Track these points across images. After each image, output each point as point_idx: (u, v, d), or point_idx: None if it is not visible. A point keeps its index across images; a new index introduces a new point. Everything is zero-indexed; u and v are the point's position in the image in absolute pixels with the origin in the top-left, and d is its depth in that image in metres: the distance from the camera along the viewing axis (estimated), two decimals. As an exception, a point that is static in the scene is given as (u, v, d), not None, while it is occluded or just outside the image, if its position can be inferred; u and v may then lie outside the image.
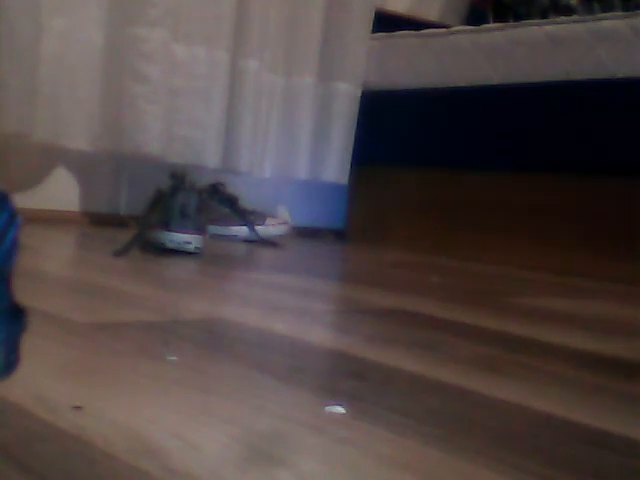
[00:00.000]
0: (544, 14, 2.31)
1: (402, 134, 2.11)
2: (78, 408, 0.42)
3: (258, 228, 1.84)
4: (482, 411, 0.51)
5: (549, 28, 1.85)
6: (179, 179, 1.40)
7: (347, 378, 0.56)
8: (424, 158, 2.08)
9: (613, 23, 1.75)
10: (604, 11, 2.13)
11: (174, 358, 0.56)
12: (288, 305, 0.92)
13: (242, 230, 1.86)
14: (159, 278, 1.09)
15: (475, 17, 2.51)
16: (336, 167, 2.17)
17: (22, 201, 1.76)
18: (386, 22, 2.21)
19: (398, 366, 0.62)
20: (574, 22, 1.82)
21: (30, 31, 1.64)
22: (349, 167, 2.18)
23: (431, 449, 0.41)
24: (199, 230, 1.38)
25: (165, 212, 1.36)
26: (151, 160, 1.84)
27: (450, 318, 0.91)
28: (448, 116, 2.02)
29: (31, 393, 0.44)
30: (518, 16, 2.33)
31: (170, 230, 1.35)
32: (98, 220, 1.92)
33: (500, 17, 2.39)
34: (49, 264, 1.11)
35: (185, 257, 1.33)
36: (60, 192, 1.89)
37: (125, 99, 1.75)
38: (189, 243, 1.36)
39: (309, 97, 2.11)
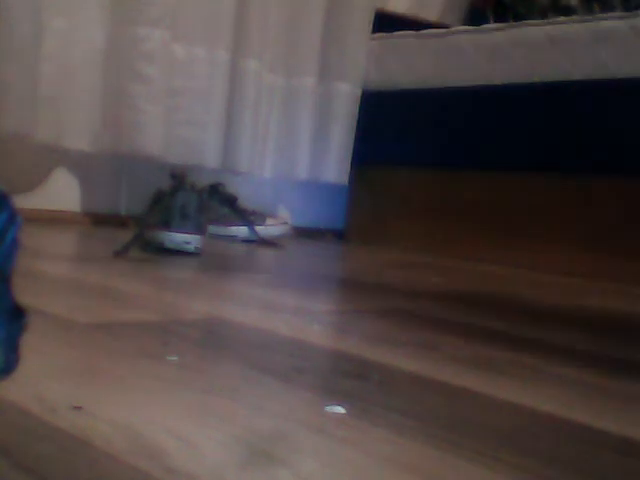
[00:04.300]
0: (544, 14, 2.31)
1: (402, 134, 2.11)
2: (78, 408, 0.42)
3: (258, 228, 1.84)
4: (482, 411, 0.51)
5: (549, 28, 1.85)
6: (179, 179, 1.40)
7: (347, 378, 0.56)
8: (424, 158, 2.08)
9: (613, 23, 1.74)
10: (604, 11, 2.13)
11: (174, 358, 0.56)
12: (288, 305, 0.92)
13: (242, 230, 1.85)
14: (159, 278, 1.09)
15: (475, 17, 2.51)
16: (336, 167, 2.17)
17: (22, 201, 1.76)
18: (386, 22, 2.21)
19: (398, 366, 0.62)
20: (574, 22, 1.82)
21: (30, 31, 1.64)
22: (349, 167, 2.18)
23: (431, 449, 0.41)
24: (199, 230, 1.38)
25: (165, 212, 1.36)
26: (151, 160, 1.84)
27: (450, 318, 0.91)
28: (448, 116, 2.02)
29: (31, 393, 0.44)
30: (518, 16, 2.33)
31: (170, 230, 1.35)
32: (98, 220, 1.92)
33: (500, 17, 2.39)
34: (49, 264, 1.11)
35: (185, 257, 1.33)
36: (60, 192, 1.89)
37: (125, 99, 1.75)
38: (189, 243, 1.36)
39: (309, 97, 2.11)
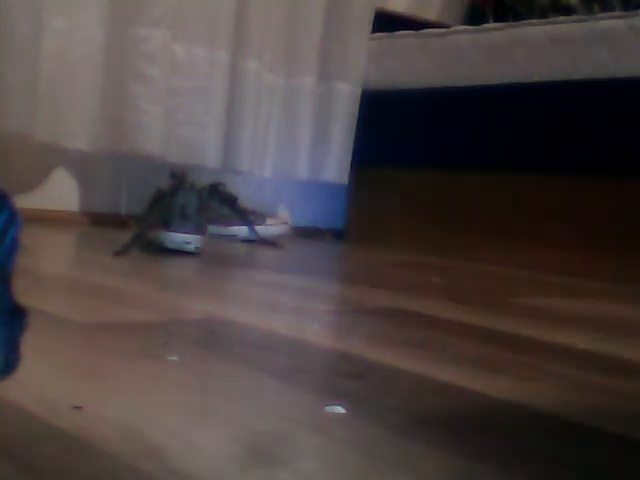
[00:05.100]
0: (544, 14, 2.31)
1: (402, 134, 2.10)
2: (78, 408, 0.42)
3: (258, 228, 1.84)
4: (482, 411, 0.51)
5: (549, 28, 1.85)
6: (179, 179, 1.40)
7: (347, 378, 0.56)
8: (424, 158, 2.08)
9: (613, 23, 1.74)
10: (604, 11, 2.13)
11: (174, 358, 0.56)
12: (288, 305, 0.92)
13: (242, 230, 1.85)
14: (159, 278, 1.09)
15: (475, 17, 2.51)
16: (336, 167, 2.17)
17: (22, 201, 1.76)
18: (386, 22, 2.21)
19: (398, 366, 0.62)
20: (574, 22, 1.82)
21: (30, 31, 1.64)
22: (349, 167, 2.18)
23: (431, 449, 0.41)
24: (199, 230, 1.38)
25: (165, 212, 1.36)
26: (151, 160, 1.84)
27: (450, 318, 0.91)
28: (448, 116, 2.02)
29: (31, 393, 0.44)
30: (518, 16, 2.33)
31: (170, 230, 1.35)
32: (98, 220, 1.92)
33: (500, 17, 2.39)
34: (49, 264, 1.11)
35: (185, 257, 1.33)
36: (60, 192, 1.89)
37: (125, 99, 1.75)
38: (189, 243, 1.36)
39: (309, 97, 2.11)
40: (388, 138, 2.13)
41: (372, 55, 2.17)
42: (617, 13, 1.87)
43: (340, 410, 0.47)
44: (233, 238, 1.89)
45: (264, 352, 0.63)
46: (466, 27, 2.07)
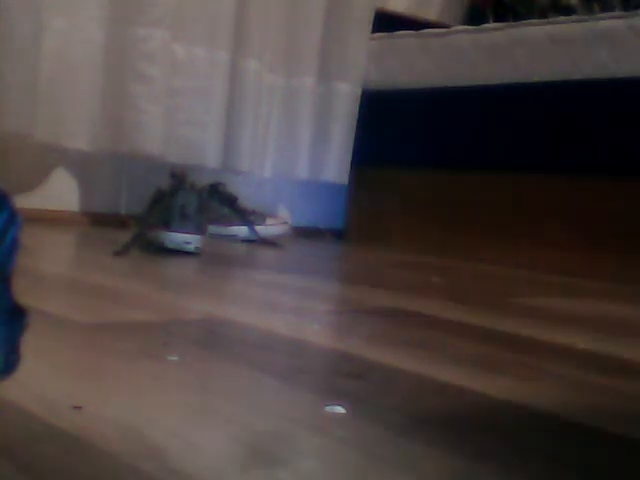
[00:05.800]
0: (544, 14, 2.31)
1: (402, 134, 2.10)
2: (78, 408, 0.42)
3: (258, 228, 1.84)
4: (482, 411, 0.51)
5: (549, 28, 1.85)
6: (179, 179, 1.40)
7: (347, 378, 0.56)
8: (424, 158, 2.08)
9: (613, 23, 1.74)
10: (604, 11, 2.13)
11: (174, 358, 0.56)
12: (288, 305, 0.92)
13: (242, 230, 1.85)
14: (159, 278, 1.09)
15: (475, 17, 2.51)
16: (336, 167, 2.17)
17: (22, 201, 1.76)
18: (386, 22, 2.21)
19: (398, 366, 0.62)
20: (574, 22, 1.82)
21: (30, 31, 1.64)
22: (349, 167, 2.18)
23: (431, 449, 0.41)
24: (199, 230, 1.38)
25: (165, 212, 1.36)
26: (151, 160, 1.84)
27: (450, 318, 0.91)
28: (448, 116, 2.02)
29: (31, 393, 0.44)
30: (518, 16, 2.33)
31: (170, 230, 1.35)
32: (98, 220, 1.92)
33: (500, 17, 2.39)
34: (49, 264, 1.11)
35: (185, 257, 1.33)
36: (60, 192, 1.89)
37: (125, 99, 1.75)
38: (189, 243, 1.36)
39: (309, 97, 2.11)
40: (388, 138, 2.13)
41: (372, 55, 2.17)
42: (617, 13, 1.87)
43: (340, 410, 0.47)
44: (233, 238, 1.89)
45: (264, 352, 0.63)
46: (466, 27, 2.07)
